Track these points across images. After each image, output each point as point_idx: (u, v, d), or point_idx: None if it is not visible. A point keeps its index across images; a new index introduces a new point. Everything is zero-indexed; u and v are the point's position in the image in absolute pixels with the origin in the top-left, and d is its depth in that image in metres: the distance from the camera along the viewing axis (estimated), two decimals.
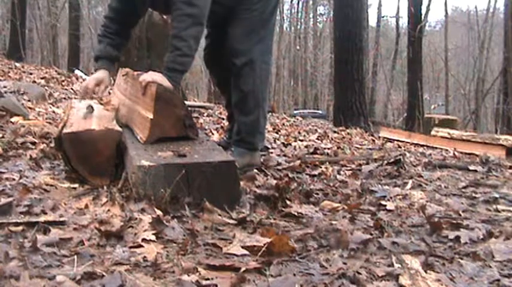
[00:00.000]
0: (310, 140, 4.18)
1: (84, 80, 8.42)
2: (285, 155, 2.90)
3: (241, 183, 1.78)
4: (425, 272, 1.17)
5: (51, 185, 1.74)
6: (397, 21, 25.52)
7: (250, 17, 2.27)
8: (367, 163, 2.76)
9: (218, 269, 1.13)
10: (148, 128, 1.80)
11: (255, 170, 2.24)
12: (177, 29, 1.95)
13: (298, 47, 28.95)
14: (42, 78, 6.70)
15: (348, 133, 6.18)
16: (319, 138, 4.59)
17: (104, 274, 1.05)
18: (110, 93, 3.02)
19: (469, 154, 4.24)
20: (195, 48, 1.98)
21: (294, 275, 1.13)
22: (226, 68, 2.35)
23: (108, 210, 1.48)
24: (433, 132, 5.84)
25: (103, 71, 2.22)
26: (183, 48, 1.93)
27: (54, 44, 21.11)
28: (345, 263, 1.22)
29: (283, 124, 6.37)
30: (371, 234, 1.43)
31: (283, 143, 3.62)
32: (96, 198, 1.59)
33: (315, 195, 1.92)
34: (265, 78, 2.33)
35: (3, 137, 2.37)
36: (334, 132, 6.09)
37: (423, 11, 17.34)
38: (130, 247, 1.22)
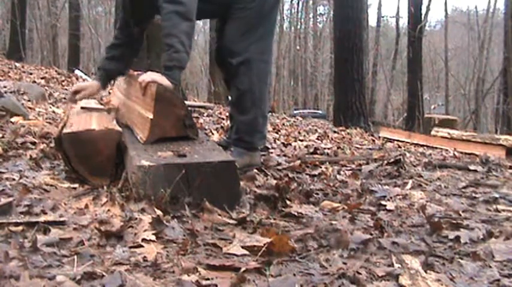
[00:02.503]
0: (310, 140, 4.19)
1: (84, 80, 8.43)
2: (285, 155, 2.90)
3: (241, 183, 1.78)
4: (425, 272, 1.17)
5: (51, 185, 1.74)
6: (397, 21, 25.55)
7: (246, 15, 2.26)
8: (367, 163, 2.76)
9: (218, 269, 1.12)
10: (148, 128, 1.80)
11: (255, 170, 2.24)
12: (166, 28, 1.96)
13: (298, 47, 28.96)
14: (42, 78, 6.70)
15: (348, 133, 6.18)
16: (319, 138, 4.60)
17: (104, 274, 1.05)
18: (109, 93, 3.02)
19: (469, 154, 4.24)
20: (189, 44, 1.98)
21: (294, 275, 1.13)
22: None
23: (108, 210, 1.48)
24: (433, 133, 5.84)
25: (94, 82, 2.36)
26: (175, 45, 1.93)
27: (54, 44, 21.13)
28: (345, 263, 1.22)
29: (283, 124, 6.37)
30: (371, 234, 1.43)
31: (283, 143, 3.63)
32: (96, 198, 1.59)
33: (315, 195, 1.92)
34: (263, 77, 2.32)
35: (3, 137, 2.37)
36: (334, 132, 6.10)
37: (423, 11, 17.37)
38: (130, 247, 1.22)
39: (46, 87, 5.33)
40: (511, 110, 13.95)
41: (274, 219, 1.56)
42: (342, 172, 2.52)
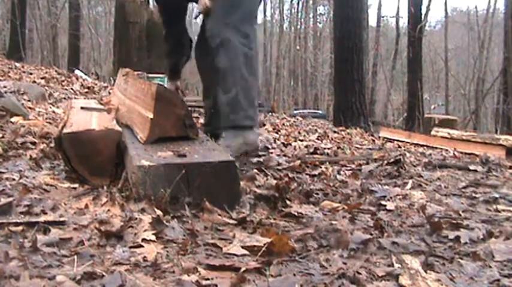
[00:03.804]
0: (310, 140, 4.18)
1: (84, 80, 8.43)
2: (285, 155, 2.90)
3: (241, 183, 1.78)
4: (425, 272, 1.17)
5: (51, 185, 1.74)
6: (397, 21, 25.57)
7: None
8: (367, 163, 2.76)
9: (218, 269, 1.12)
10: (148, 128, 1.80)
11: (255, 170, 2.24)
12: None
13: (298, 47, 28.97)
14: (42, 78, 6.69)
15: (348, 133, 6.18)
16: (319, 138, 4.59)
17: (104, 274, 1.05)
18: (109, 93, 3.03)
19: (469, 154, 4.24)
20: None
21: (294, 275, 1.13)
22: (208, 57, 2.48)
23: (108, 210, 1.48)
24: (433, 133, 5.84)
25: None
26: None
27: (54, 44, 21.14)
28: (345, 263, 1.22)
29: (283, 124, 6.37)
30: (371, 234, 1.43)
31: (283, 143, 3.62)
32: (96, 198, 1.59)
33: (315, 195, 1.92)
34: (246, 60, 2.34)
35: (3, 137, 2.37)
36: (334, 132, 6.09)
37: (423, 11, 17.39)
38: (131, 247, 1.22)
39: (46, 87, 5.32)
40: (511, 110, 13.95)
41: (274, 219, 1.56)
42: (342, 172, 2.52)
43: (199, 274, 1.09)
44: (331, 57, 21.44)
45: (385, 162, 2.63)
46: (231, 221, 1.48)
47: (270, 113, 10.12)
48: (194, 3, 2.61)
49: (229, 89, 2.30)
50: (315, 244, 1.35)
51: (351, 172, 2.52)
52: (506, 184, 2.32)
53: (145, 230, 1.30)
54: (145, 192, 1.50)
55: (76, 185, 1.76)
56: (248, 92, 2.37)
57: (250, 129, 2.35)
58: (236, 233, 1.37)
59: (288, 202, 1.71)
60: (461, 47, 28.31)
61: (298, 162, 2.58)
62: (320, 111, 22.90)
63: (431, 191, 2.12)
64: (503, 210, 1.81)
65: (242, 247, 1.26)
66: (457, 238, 1.42)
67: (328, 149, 3.45)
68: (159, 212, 1.43)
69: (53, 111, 3.69)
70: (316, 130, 5.99)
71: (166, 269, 1.11)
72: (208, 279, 1.06)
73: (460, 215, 1.70)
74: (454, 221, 1.58)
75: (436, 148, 4.96)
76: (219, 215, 1.50)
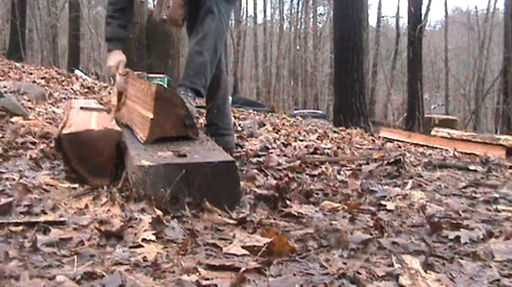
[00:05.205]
0: (310, 140, 4.18)
1: (84, 80, 8.43)
2: (285, 155, 2.90)
3: (241, 183, 1.78)
4: (425, 272, 1.17)
5: (51, 185, 1.74)
6: (397, 21, 25.56)
7: None
8: (367, 163, 2.76)
9: (218, 269, 1.13)
10: (148, 128, 1.80)
11: (255, 170, 2.24)
12: None
13: (298, 47, 28.96)
14: (42, 78, 6.69)
15: (348, 133, 6.18)
16: (319, 138, 4.59)
17: (104, 274, 1.05)
18: (109, 93, 3.03)
19: (469, 154, 4.24)
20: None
21: (294, 275, 1.13)
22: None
23: (108, 210, 1.48)
24: (433, 133, 5.84)
25: (118, 51, 2.50)
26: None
27: (54, 44, 21.11)
28: (345, 263, 1.22)
29: (283, 124, 6.36)
30: (371, 234, 1.43)
31: (283, 143, 3.62)
32: (96, 198, 1.59)
33: (315, 195, 1.92)
34: (221, 33, 2.43)
35: (3, 137, 2.37)
36: (334, 132, 6.09)
37: (423, 11, 17.37)
38: (130, 247, 1.22)
39: (46, 87, 5.32)
40: (511, 110, 13.95)
41: (274, 219, 1.56)
42: (342, 172, 2.52)
43: (199, 274, 1.09)
44: (331, 57, 21.40)
45: (385, 162, 2.63)
46: (231, 221, 1.48)
47: (270, 113, 10.13)
48: None
49: (202, 52, 2.37)
50: (315, 244, 1.35)
51: (351, 172, 2.52)
52: (506, 184, 2.32)
53: (145, 230, 1.30)
54: (145, 192, 1.50)
55: (76, 185, 1.76)
56: (218, 64, 2.47)
57: (197, 95, 2.39)
58: (236, 233, 1.38)
59: (288, 202, 1.71)
60: (461, 47, 28.31)
61: (298, 162, 2.58)
62: (320, 112, 22.84)
63: (431, 191, 2.12)
64: (503, 210, 1.81)
65: (242, 247, 1.26)
66: (457, 238, 1.42)
67: (328, 149, 3.45)
68: (159, 212, 1.43)
69: (53, 111, 3.69)
70: (316, 130, 5.99)
71: (166, 269, 1.11)
72: (208, 279, 1.06)
73: (460, 215, 1.70)
74: (454, 221, 1.58)
75: (436, 147, 4.97)
76: (219, 215, 1.50)
